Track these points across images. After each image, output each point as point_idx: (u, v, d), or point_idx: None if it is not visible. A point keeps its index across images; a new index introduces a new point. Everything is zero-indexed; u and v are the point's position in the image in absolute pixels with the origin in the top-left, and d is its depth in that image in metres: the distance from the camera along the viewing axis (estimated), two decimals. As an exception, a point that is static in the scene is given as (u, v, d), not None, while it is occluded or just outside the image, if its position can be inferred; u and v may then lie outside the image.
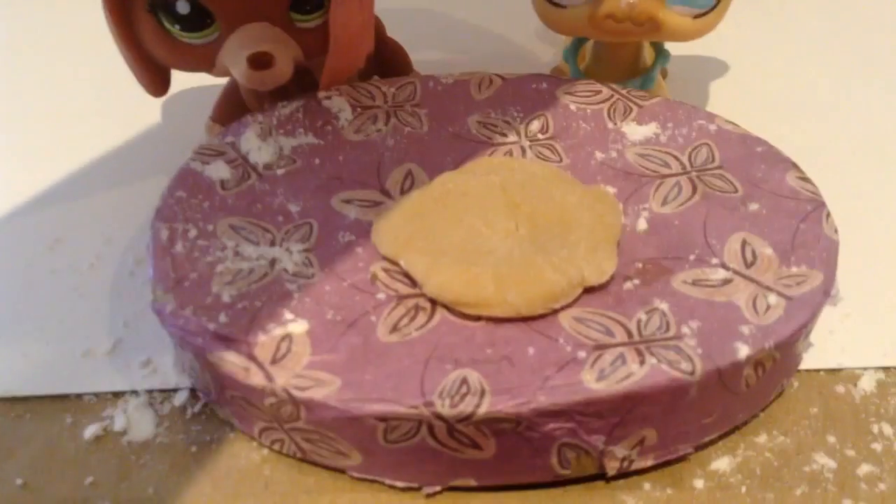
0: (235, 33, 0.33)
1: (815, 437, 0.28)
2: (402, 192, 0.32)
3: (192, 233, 0.29)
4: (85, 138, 0.42)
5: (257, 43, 0.33)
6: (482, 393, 0.24)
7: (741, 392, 0.26)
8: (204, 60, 0.34)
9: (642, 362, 0.25)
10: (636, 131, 0.35)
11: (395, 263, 0.29)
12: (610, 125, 0.35)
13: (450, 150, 0.34)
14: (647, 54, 0.40)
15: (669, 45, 0.40)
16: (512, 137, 0.35)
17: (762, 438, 0.28)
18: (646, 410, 0.25)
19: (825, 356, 0.31)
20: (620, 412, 0.25)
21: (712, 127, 0.35)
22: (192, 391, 0.29)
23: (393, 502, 0.26)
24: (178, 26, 0.33)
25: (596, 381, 0.25)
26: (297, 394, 0.25)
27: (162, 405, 0.29)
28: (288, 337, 0.26)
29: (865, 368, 0.30)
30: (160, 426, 0.28)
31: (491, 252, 0.28)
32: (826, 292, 0.28)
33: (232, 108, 0.38)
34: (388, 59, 0.41)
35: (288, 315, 0.27)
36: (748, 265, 0.29)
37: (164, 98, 0.37)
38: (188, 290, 0.27)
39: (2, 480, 0.27)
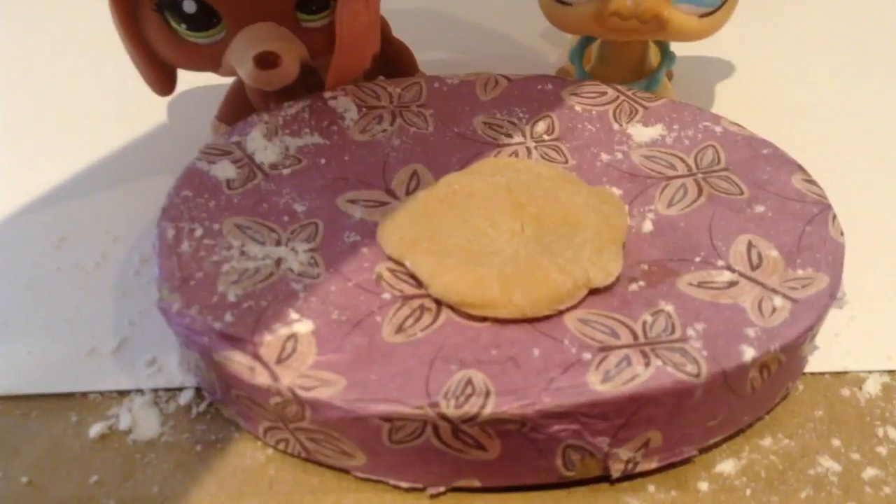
0: (241, 33, 0.33)
1: (820, 440, 0.28)
2: (408, 192, 0.32)
3: (198, 232, 0.29)
4: (91, 137, 0.42)
5: (263, 42, 0.33)
6: (487, 394, 0.24)
7: (746, 395, 0.26)
8: (210, 60, 0.34)
9: (647, 364, 0.25)
10: (642, 133, 0.35)
11: (401, 264, 0.29)
12: (615, 126, 0.35)
13: (455, 150, 0.34)
14: (653, 56, 0.40)
15: (675, 46, 0.40)
16: (517, 138, 0.35)
17: (767, 441, 0.28)
18: (651, 412, 0.25)
19: (830, 359, 0.31)
20: (625, 414, 0.25)
21: (718, 129, 0.35)
22: (198, 390, 0.29)
23: (397, 503, 0.26)
24: (184, 25, 0.33)
25: (601, 383, 0.25)
26: (302, 393, 0.25)
27: (167, 404, 0.29)
28: (293, 337, 0.26)
29: (871, 371, 0.30)
30: (165, 425, 0.28)
31: (496, 253, 0.28)
32: (832, 295, 0.28)
33: (238, 108, 0.38)
34: (393, 60, 0.41)
35: (293, 315, 0.27)
36: (754, 267, 0.29)
37: (170, 97, 0.37)
38: (194, 289, 0.27)
39: (7, 478, 0.27)
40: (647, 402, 0.25)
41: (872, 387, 0.30)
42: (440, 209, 0.30)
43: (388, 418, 0.24)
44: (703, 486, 0.27)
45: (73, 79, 0.47)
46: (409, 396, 0.24)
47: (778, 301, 0.27)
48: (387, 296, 0.28)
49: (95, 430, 0.28)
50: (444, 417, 0.24)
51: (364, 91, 0.37)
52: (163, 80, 0.35)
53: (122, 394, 0.29)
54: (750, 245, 0.30)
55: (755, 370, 0.26)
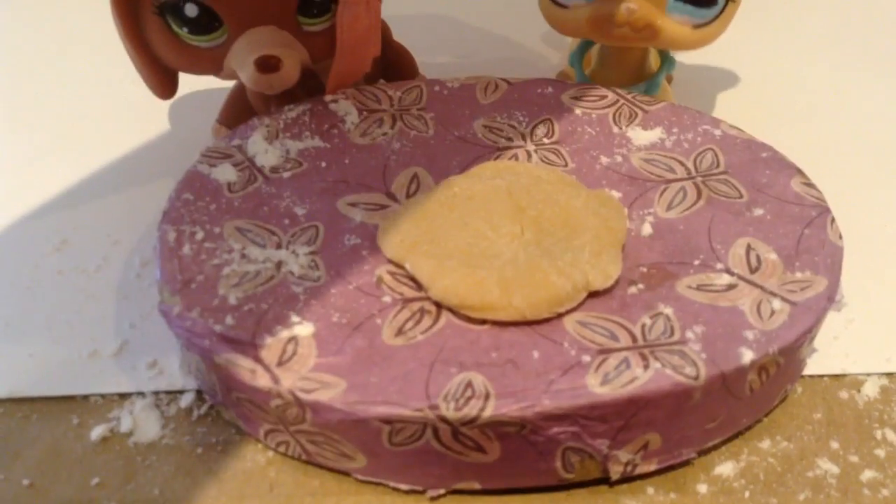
0: (243, 36, 0.34)
1: (819, 442, 0.28)
2: (408, 195, 0.32)
3: (199, 235, 0.30)
4: (92, 140, 0.42)
5: (264, 46, 0.33)
6: (487, 396, 0.24)
7: (745, 397, 0.27)
8: (211, 63, 0.34)
9: (646, 367, 0.25)
10: (641, 136, 0.35)
11: (401, 267, 0.29)
12: (615, 130, 0.36)
13: (455, 153, 0.34)
14: (653, 60, 0.40)
15: (675, 51, 0.40)
16: (517, 142, 0.35)
17: (766, 444, 0.28)
18: (650, 415, 0.25)
19: (829, 362, 0.31)
20: (624, 416, 0.25)
21: (717, 132, 0.35)
22: (199, 393, 0.29)
23: (397, 505, 0.26)
24: (185, 29, 0.33)
25: (600, 386, 0.25)
26: (302, 396, 0.25)
27: (168, 407, 0.29)
28: (294, 339, 0.26)
29: (869, 374, 0.30)
30: (166, 427, 0.28)
31: (496, 256, 0.28)
32: (830, 298, 0.28)
33: (239, 111, 0.38)
34: (394, 63, 0.42)
35: (294, 318, 0.27)
36: (753, 270, 0.29)
37: (171, 101, 0.37)
38: (195, 292, 0.27)
39: (8, 481, 0.27)
40: (646, 404, 0.25)
41: (871, 389, 0.30)
42: (440, 212, 0.30)
43: (388, 420, 0.24)
44: (702, 488, 0.27)
45: (74, 82, 0.47)
46: (409, 399, 0.24)
47: (776, 304, 0.27)
48: (387, 298, 0.28)
49: (96, 432, 0.28)
50: (443, 420, 0.24)
51: (365, 94, 0.37)
52: (164, 84, 0.35)
53: (123, 396, 0.29)
54: (749, 248, 0.30)
55: (754, 372, 0.26)
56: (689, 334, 0.26)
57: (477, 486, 0.26)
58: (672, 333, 0.26)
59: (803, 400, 0.29)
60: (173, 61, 0.35)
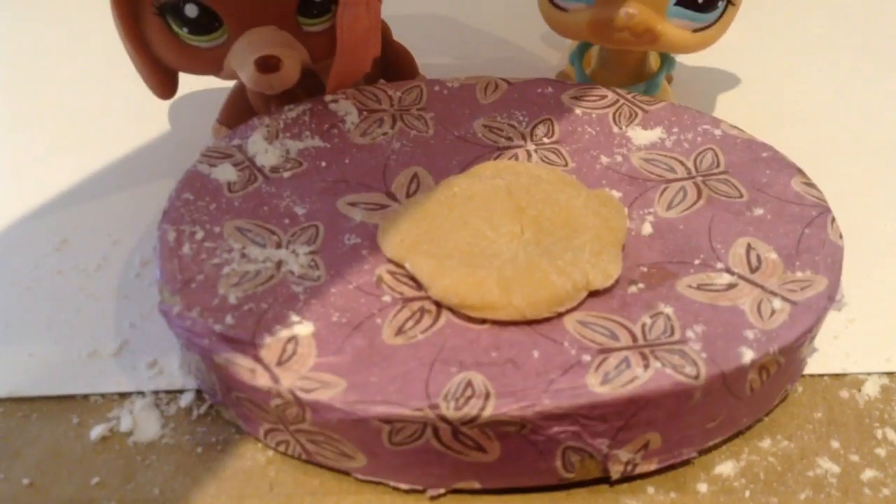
0: (243, 37, 0.34)
1: (819, 441, 0.28)
2: (408, 195, 0.32)
3: (199, 235, 0.30)
4: (92, 140, 0.42)
5: (265, 46, 0.33)
6: (487, 396, 0.24)
7: (745, 396, 0.27)
8: (211, 63, 0.34)
9: (647, 366, 0.25)
10: (641, 136, 0.35)
11: (401, 266, 0.29)
12: (615, 129, 0.36)
13: (455, 153, 0.34)
14: (653, 60, 0.40)
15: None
16: (517, 141, 0.35)
17: (766, 443, 0.28)
18: (650, 414, 0.25)
19: (829, 361, 0.31)
20: (625, 416, 0.25)
21: (717, 132, 0.35)
22: (198, 392, 0.29)
23: (397, 504, 0.26)
24: (186, 29, 0.33)
25: (600, 385, 0.25)
26: (302, 395, 0.25)
27: (168, 406, 0.29)
28: (294, 339, 0.26)
29: (870, 374, 0.30)
30: (166, 427, 0.28)
31: (496, 255, 0.28)
32: (831, 297, 0.28)
33: (239, 111, 0.38)
34: (394, 63, 0.42)
35: (294, 317, 0.27)
36: (753, 270, 0.29)
37: (171, 101, 0.37)
38: (195, 291, 0.27)
39: (8, 480, 0.27)
40: (646, 403, 0.25)
41: (871, 389, 0.30)
42: (440, 212, 0.30)
43: (388, 420, 0.24)
44: (703, 487, 0.27)
45: (74, 82, 0.47)
46: (409, 398, 0.24)
47: (777, 303, 0.27)
48: (387, 298, 0.28)
49: (96, 431, 0.28)
50: (443, 419, 0.24)
51: (365, 94, 0.37)
52: (164, 84, 0.35)
53: (123, 396, 0.29)
54: (749, 247, 0.30)
55: (754, 372, 0.26)
56: (690, 334, 0.26)
57: (477, 485, 0.26)
58: (672, 333, 0.26)
59: (804, 399, 0.29)
60: (173, 61, 0.35)
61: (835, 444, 0.28)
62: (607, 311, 0.27)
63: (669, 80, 0.45)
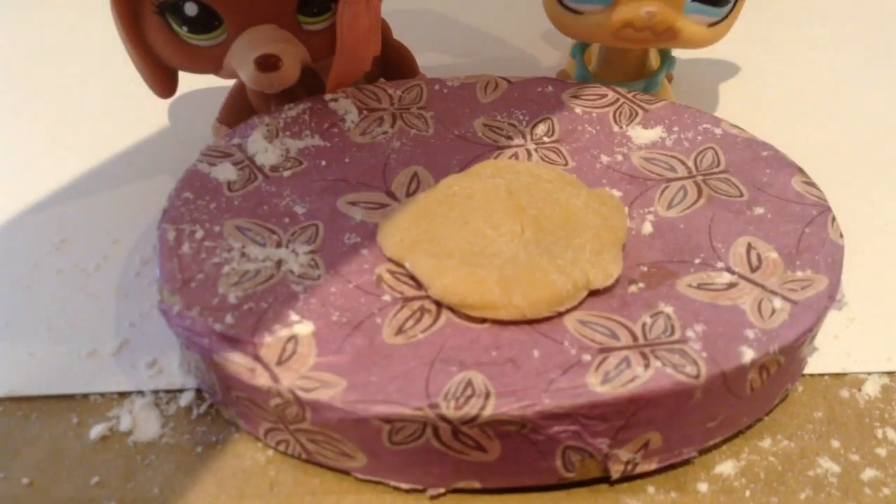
0: (243, 35, 0.34)
1: (820, 441, 0.28)
2: (408, 194, 0.32)
3: (199, 234, 0.30)
4: (92, 139, 0.42)
5: (264, 45, 0.33)
6: (487, 395, 0.24)
7: (745, 396, 0.26)
8: (211, 62, 0.34)
9: (647, 366, 0.25)
10: (642, 135, 0.35)
11: (401, 265, 0.29)
12: (616, 129, 0.36)
13: (455, 152, 0.34)
14: (653, 58, 0.40)
15: (676, 50, 0.40)
16: (517, 140, 0.35)
17: (766, 443, 0.28)
18: (650, 414, 0.25)
19: (830, 360, 0.31)
20: (625, 415, 0.25)
21: (718, 131, 0.35)
22: (198, 392, 0.29)
23: (397, 504, 0.26)
24: (185, 28, 0.33)
25: (600, 385, 0.25)
26: (302, 395, 0.25)
27: (168, 405, 0.29)
28: (294, 338, 0.26)
29: (870, 373, 0.30)
30: (166, 426, 0.28)
31: (496, 255, 0.28)
32: (831, 297, 0.28)
33: (239, 110, 0.38)
34: (394, 62, 0.42)
35: (294, 316, 0.27)
36: (753, 269, 0.29)
37: (171, 99, 0.37)
38: (195, 291, 0.27)
39: (8, 479, 0.27)
40: (646, 403, 0.25)
41: (872, 388, 0.30)
42: (440, 211, 0.30)
43: (388, 420, 0.24)
44: (703, 487, 0.27)
45: (74, 81, 0.47)
46: (410, 398, 0.24)
47: (777, 303, 0.27)
48: (387, 297, 0.28)
49: (96, 431, 0.28)
50: (444, 419, 0.24)
51: (364, 93, 0.37)
52: (164, 83, 0.35)
53: (123, 395, 0.29)
54: (749, 247, 0.30)
55: (754, 371, 0.26)
56: (690, 333, 0.26)
57: (477, 485, 0.26)
58: (672, 332, 0.26)
59: (804, 399, 0.29)
60: (173, 60, 0.35)
61: (835, 444, 0.28)
62: (607, 311, 0.27)
63: (669, 79, 0.45)
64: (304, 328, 0.26)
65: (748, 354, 0.26)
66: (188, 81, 0.37)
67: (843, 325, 0.32)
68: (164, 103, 0.43)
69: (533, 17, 0.40)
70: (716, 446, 0.28)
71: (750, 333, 0.26)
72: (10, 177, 0.40)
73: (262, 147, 0.33)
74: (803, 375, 0.30)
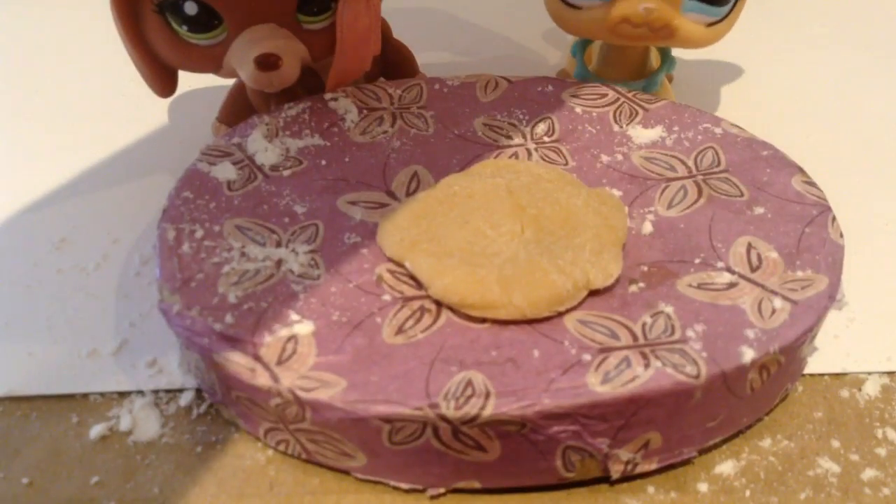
0: (243, 34, 0.34)
1: (820, 441, 0.28)
2: (408, 193, 0.32)
3: (199, 233, 0.30)
4: (92, 138, 0.42)
5: (264, 44, 0.33)
6: (487, 395, 0.24)
7: (746, 396, 0.26)
8: (211, 61, 0.34)
9: (647, 365, 0.25)
10: (642, 134, 0.35)
11: (401, 265, 0.29)
12: (616, 128, 0.35)
13: (455, 152, 0.34)
14: (654, 57, 0.40)
15: (676, 50, 0.40)
16: (518, 140, 0.35)
17: (766, 442, 0.28)
18: (650, 414, 0.25)
19: (830, 360, 0.31)
20: (625, 415, 0.25)
21: (718, 130, 0.35)
22: (198, 391, 0.29)
23: (397, 504, 0.26)
24: (185, 27, 0.33)
25: (601, 384, 0.25)
26: (302, 395, 0.25)
27: (167, 405, 0.29)
28: (293, 338, 0.26)
29: (870, 373, 0.30)
30: (166, 426, 0.28)
31: (496, 254, 0.28)
32: (831, 297, 0.28)
33: (239, 110, 0.38)
34: (394, 61, 0.42)
35: (294, 316, 0.27)
36: (753, 269, 0.29)
37: (170, 99, 0.37)
38: (194, 290, 0.27)
39: (8, 479, 0.27)
40: (646, 403, 0.25)
41: (872, 388, 0.30)
42: (440, 210, 0.30)
43: (388, 419, 0.24)
44: (703, 487, 0.27)
45: (74, 80, 0.47)
46: (409, 398, 0.24)
47: (777, 302, 0.27)
48: (387, 297, 0.28)
49: (96, 431, 0.28)
50: (444, 419, 0.24)
51: (364, 93, 0.37)
52: (164, 82, 0.35)
53: (123, 395, 0.29)
54: (749, 246, 0.30)
55: (754, 371, 0.26)
56: (690, 333, 0.26)
57: (477, 484, 0.26)
58: (673, 332, 0.26)
59: (804, 399, 0.29)
60: (173, 59, 0.35)
61: (835, 444, 0.28)
62: (608, 311, 0.27)
63: (670, 79, 0.45)
64: (304, 328, 0.26)
65: (748, 354, 0.25)
66: (188, 81, 0.37)
67: (843, 325, 0.32)
68: (164, 103, 0.43)
69: (533, 17, 0.40)
70: (716, 446, 0.28)
71: (750, 333, 0.26)
72: (10, 176, 0.40)
73: (262, 146, 0.33)
74: (803, 375, 0.30)
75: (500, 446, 0.25)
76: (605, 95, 0.37)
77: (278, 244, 0.30)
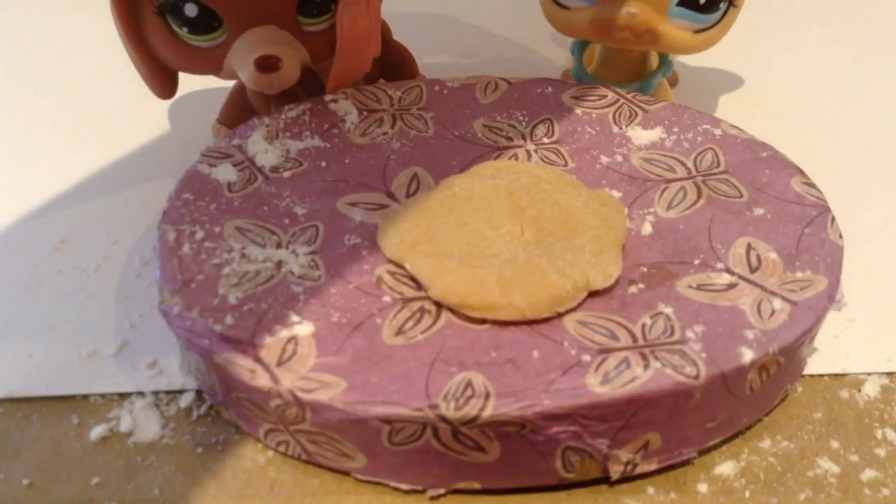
0: (243, 36, 0.34)
1: (819, 442, 0.28)
2: (408, 195, 0.32)
3: (199, 235, 0.30)
4: (92, 140, 0.42)
5: (264, 46, 0.33)
6: (487, 396, 0.24)
7: (745, 396, 0.27)
8: (211, 63, 0.34)
9: (647, 366, 0.25)
10: (641, 136, 0.35)
11: (401, 266, 0.29)
12: (615, 129, 0.36)
13: (455, 153, 0.34)
14: (654, 60, 0.40)
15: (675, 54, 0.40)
16: (517, 141, 0.35)
17: (766, 443, 0.28)
18: (650, 414, 0.25)
19: (829, 361, 0.31)
20: (624, 416, 0.25)
21: (718, 132, 0.35)
22: (198, 393, 0.29)
23: (397, 504, 0.26)
24: (185, 29, 0.33)
25: (600, 385, 0.25)
26: (302, 396, 0.25)
27: (168, 406, 0.29)
28: (294, 339, 0.26)
29: (870, 374, 0.30)
30: (166, 427, 0.28)
31: (496, 255, 0.28)
32: (831, 297, 0.28)
33: (239, 111, 0.38)
34: (394, 63, 0.42)
35: (294, 317, 0.27)
36: (753, 270, 0.29)
37: (171, 100, 0.37)
38: (195, 291, 0.27)
39: (8, 480, 0.27)
40: (646, 403, 0.25)
41: (871, 389, 0.30)
42: (440, 212, 0.30)
43: (387, 420, 0.24)
44: (703, 487, 0.27)
45: (74, 81, 0.47)
46: (409, 398, 0.24)
47: (777, 303, 0.27)
48: (387, 298, 0.28)
49: (96, 432, 0.28)
50: (443, 419, 0.24)
51: (364, 94, 0.37)
52: (164, 83, 0.35)
53: (123, 396, 0.29)
54: (749, 247, 0.30)
55: (754, 372, 0.26)
56: (690, 334, 0.26)
57: (477, 485, 0.26)
58: (672, 333, 0.26)
59: (804, 399, 0.29)
60: (173, 61, 0.35)
61: (835, 444, 0.28)
62: (607, 312, 0.27)
63: (676, 80, 0.45)
64: (304, 329, 0.26)
65: (748, 355, 0.26)
66: (188, 82, 0.37)
67: (842, 325, 0.32)
68: (164, 104, 0.43)
69: (533, 18, 0.40)
70: (715, 447, 0.28)
71: (749, 334, 0.26)
72: (10, 177, 0.40)
73: (262, 148, 0.33)
74: (803, 376, 0.30)
75: (500, 447, 0.25)
76: (604, 97, 0.37)
77: (278, 245, 0.30)
